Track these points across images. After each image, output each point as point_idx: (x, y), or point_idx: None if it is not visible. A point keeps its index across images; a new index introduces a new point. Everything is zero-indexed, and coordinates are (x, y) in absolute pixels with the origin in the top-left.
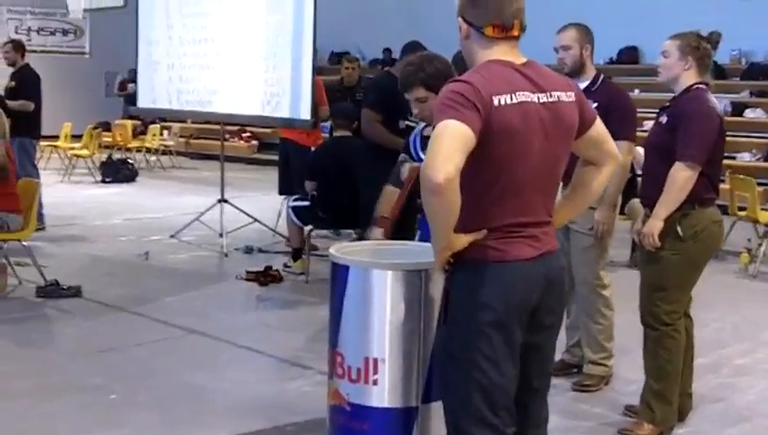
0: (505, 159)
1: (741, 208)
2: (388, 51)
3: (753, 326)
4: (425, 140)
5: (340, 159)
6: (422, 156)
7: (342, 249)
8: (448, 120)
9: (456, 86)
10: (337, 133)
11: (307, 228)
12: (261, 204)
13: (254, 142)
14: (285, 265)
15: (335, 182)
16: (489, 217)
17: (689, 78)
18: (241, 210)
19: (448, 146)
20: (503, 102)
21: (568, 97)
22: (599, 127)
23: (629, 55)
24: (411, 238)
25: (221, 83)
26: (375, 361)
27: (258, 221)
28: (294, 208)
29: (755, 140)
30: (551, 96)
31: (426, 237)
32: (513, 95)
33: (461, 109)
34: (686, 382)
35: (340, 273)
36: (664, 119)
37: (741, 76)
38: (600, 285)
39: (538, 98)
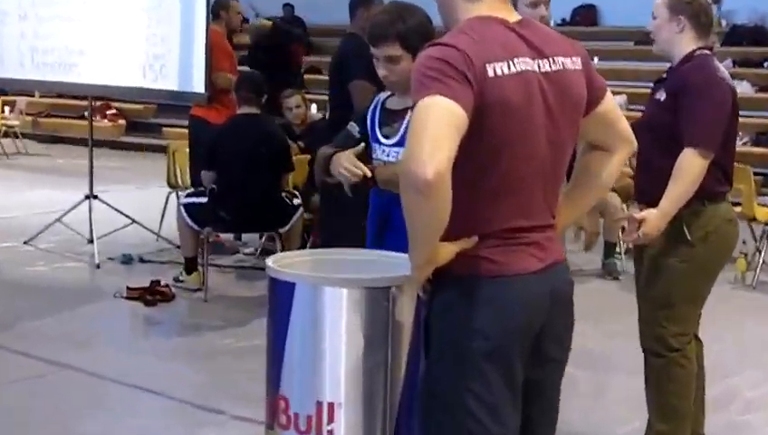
0: (502, 145)
1: (734, 204)
2: (289, 6)
3: (760, 349)
4: (388, 115)
5: (246, 144)
6: (380, 136)
7: (283, 260)
8: (434, 97)
9: (438, 51)
10: (242, 110)
11: (204, 231)
12: (138, 200)
13: (122, 122)
14: (177, 279)
15: (239, 173)
16: (481, 219)
17: (686, 42)
18: (115, 209)
19: (436, 130)
20: (498, 72)
21: (573, 64)
22: (609, 101)
23: (586, 16)
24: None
25: (89, 41)
26: (330, 406)
27: (137, 223)
28: (188, 206)
29: (742, 120)
30: (554, 63)
31: (379, 212)
32: (511, 62)
33: (448, 81)
34: (698, 422)
35: (281, 292)
36: (661, 95)
37: (722, 42)
38: None
39: (539, 66)
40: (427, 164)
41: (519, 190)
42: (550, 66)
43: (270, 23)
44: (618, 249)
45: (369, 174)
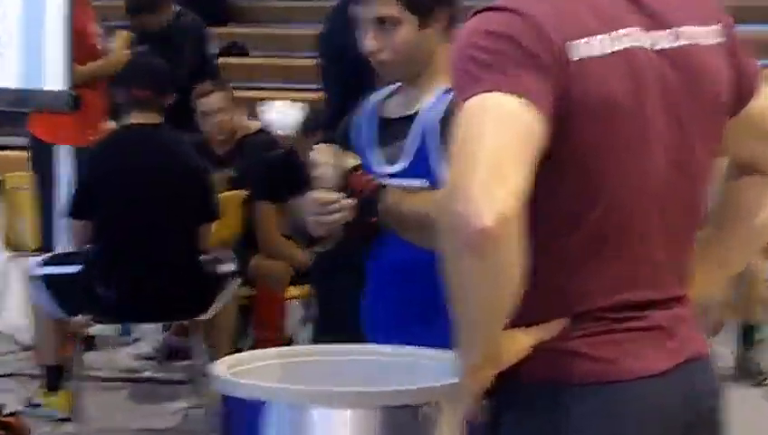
0: (599, 169)
1: None
2: None
3: None
4: (387, 127)
5: (141, 175)
6: (376, 162)
7: (240, 365)
8: (489, 96)
9: (492, 21)
10: (132, 119)
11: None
12: None
13: None
14: (32, 403)
15: (131, 224)
16: (570, 292)
17: None
18: None
19: (497, 150)
20: (590, 52)
21: (710, 36)
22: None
23: None
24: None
25: None
26: None
27: None
28: (48, 281)
29: None
30: (678, 36)
31: (384, 279)
32: (610, 36)
33: (512, 68)
34: None
35: (242, 417)
36: None
37: None
38: None
39: (653, 40)
40: (484, 205)
41: (629, 243)
42: (671, 41)
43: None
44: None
45: (350, 204)
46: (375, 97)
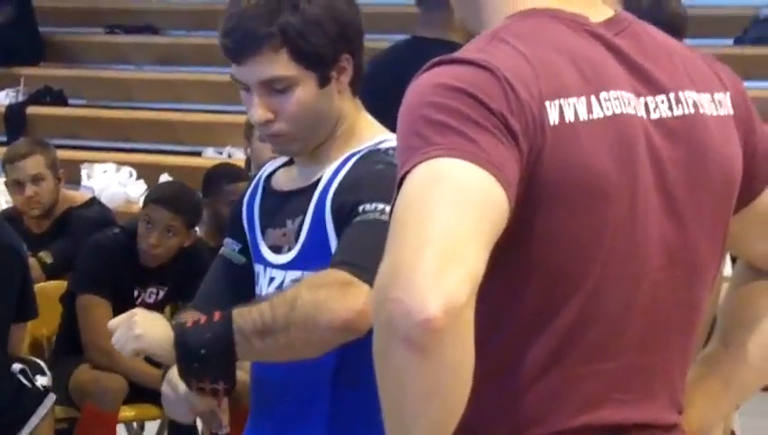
0: (577, 265)
1: None
2: None
3: None
4: (275, 202)
5: None
6: (263, 249)
7: None
8: (442, 162)
9: (455, 74)
10: None
11: None
12: None
13: None
14: None
15: None
16: (527, 408)
17: None
18: None
19: (449, 226)
20: (570, 117)
21: (717, 106)
22: None
23: None
24: None
25: None
26: None
27: None
28: None
29: None
30: (678, 103)
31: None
32: (596, 99)
33: (473, 131)
34: None
35: None
36: None
37: None
38: None
39: (647, 107)
40: (430, 290)
41: (608, 354)
42: (670, 108)
43: None
44: None
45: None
46: (264, 169)
